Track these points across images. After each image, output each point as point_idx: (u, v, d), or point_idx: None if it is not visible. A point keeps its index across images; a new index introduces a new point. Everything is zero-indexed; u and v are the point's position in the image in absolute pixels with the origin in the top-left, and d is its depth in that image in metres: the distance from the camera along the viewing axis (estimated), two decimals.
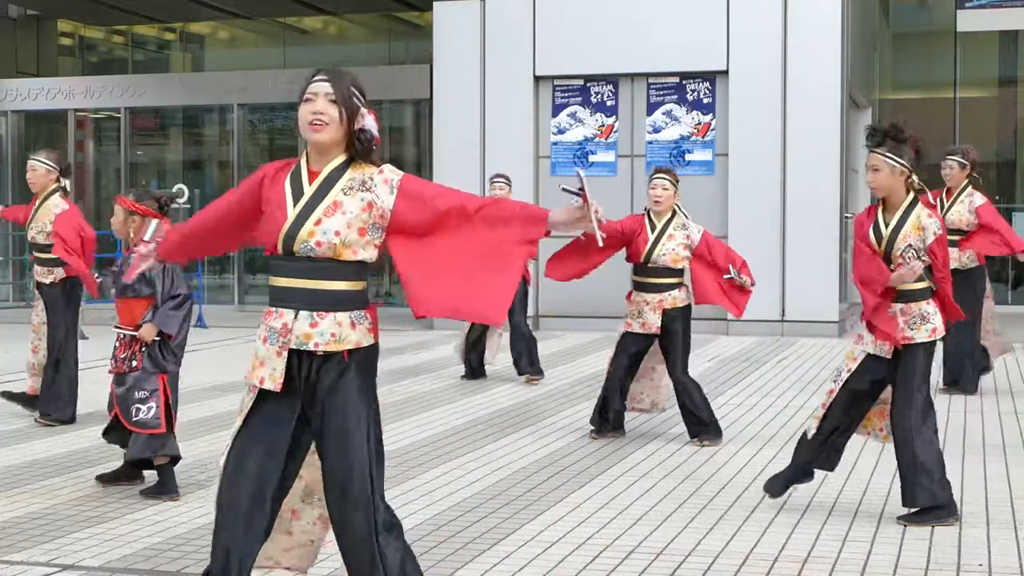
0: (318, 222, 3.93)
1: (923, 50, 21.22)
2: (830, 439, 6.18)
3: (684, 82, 15.73)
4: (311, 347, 3.96)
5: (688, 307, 8.17)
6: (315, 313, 3.96)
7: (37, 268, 8.88)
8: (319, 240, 3.92)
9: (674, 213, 8.20)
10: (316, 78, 4.00)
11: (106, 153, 20.87)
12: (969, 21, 19.51)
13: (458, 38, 16.27)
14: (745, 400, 9.94)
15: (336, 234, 3.92)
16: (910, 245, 5.95)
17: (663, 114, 15.83)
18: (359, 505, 3.99)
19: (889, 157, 5.94)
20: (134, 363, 6.56)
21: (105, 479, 6.82)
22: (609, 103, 15.99)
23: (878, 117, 19.54)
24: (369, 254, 3.99)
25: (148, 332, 6.57)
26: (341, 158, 4.02)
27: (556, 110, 16.17)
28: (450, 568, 5.25)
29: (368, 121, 3.99)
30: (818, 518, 6.11)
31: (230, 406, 9.53)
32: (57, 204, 8.79)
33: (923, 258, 5.98)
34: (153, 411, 6.53)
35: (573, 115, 16.11)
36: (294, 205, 3.97)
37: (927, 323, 6.00)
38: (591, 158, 16.03)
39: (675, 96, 15.79)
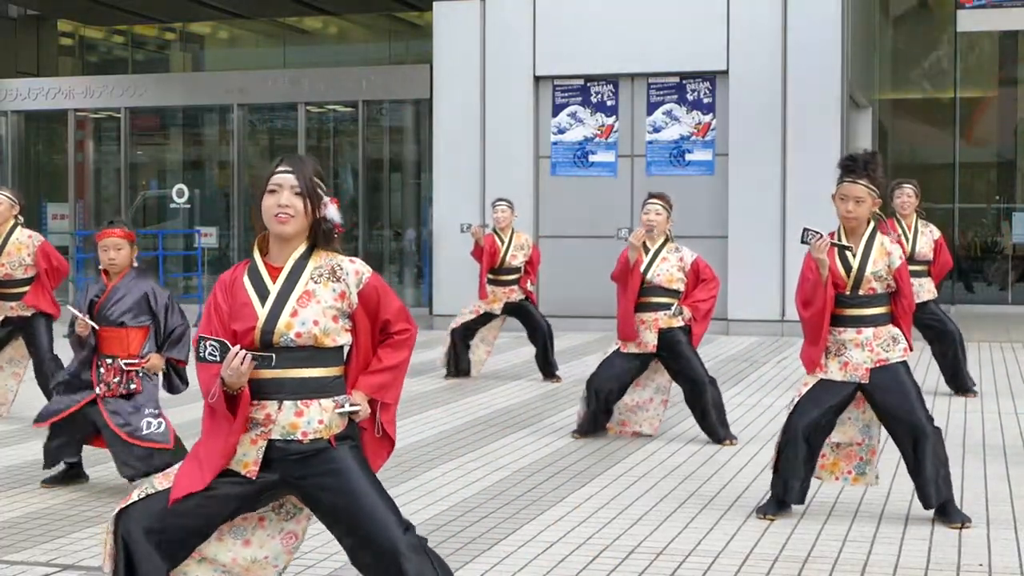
0: (294, 313, 3.91)
1: (923, 50, 21.22)
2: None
3: (684, 82, 15.73)
4: (298, 437, 3.91)
5: (686, 328, 8.20)
6: (300, 402, 3.92)
7: (10, 304, 8.89)
8: (298, 331, 3.90)
9: (667, 239, 8.23)
10: (279, 169, 3.97)
11: (106, 153, 20.85)
12: (969, 21, 19.51)
13: (458, 38, 16.27)
14: (745, 400, 9.94)
15: (315, 324, 3.91)
16: (881, 270, 5.96)
17: (663, 114, 15.83)
18: (390, 553, 3.91)
19: (871, 188, 5.94)
20: (132, 386, 6.57)
21: (53, 481, 6.84)
22: (609, 103, 16.00)
23: (878, 117, 19.56)
24: (345, 339, 3.99)
25: (157, 363, 6.63)
26: (302, 248, 4.01)
27: (556, 110, 16.16)
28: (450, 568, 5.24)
29: (331, 210, 3.99)
30: (818, 518, 6.11)
31: None
32: (29, 236, 8.91)
33: (889, 282, 5.99)
34: (163, 427, 6.57)
35: (573, 115, 16.11)
36: (262, 303, 3.94)
37: (898, 344, 6.04)
38: (591, 158, 16.03)
39: (675, 96, 15.79)
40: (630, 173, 15.87)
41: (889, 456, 7.66)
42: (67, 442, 6.74)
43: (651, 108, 15.89)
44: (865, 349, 5.98)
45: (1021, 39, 20.77)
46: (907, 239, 9.99)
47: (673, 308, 8.10)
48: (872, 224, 6.04)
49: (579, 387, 10.71)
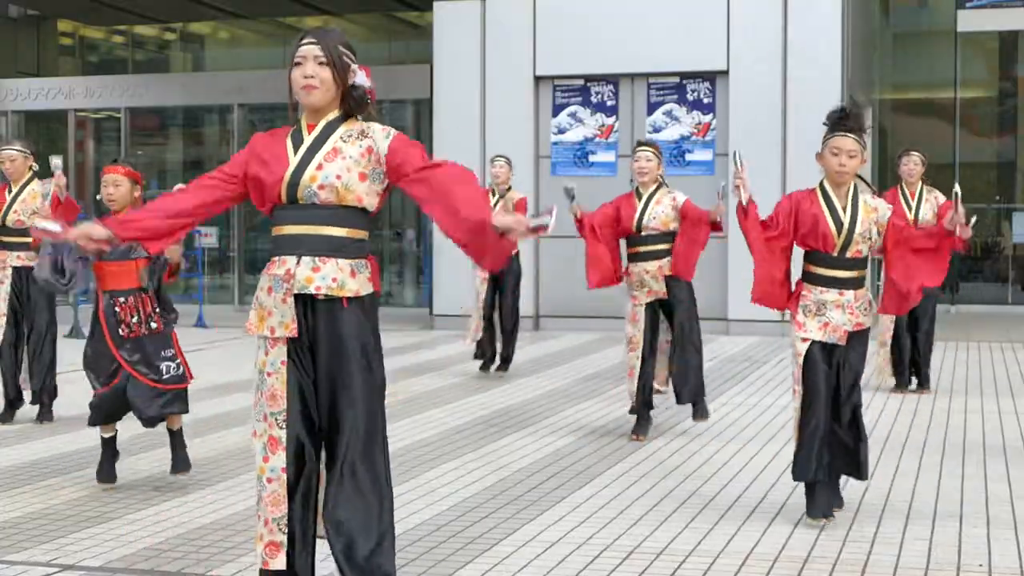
0: (319, 167, 4.05)
1: (923, 50, 21.21)
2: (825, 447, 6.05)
3: (684, 82, 15.73)
4: (312, 291, 4.04)
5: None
6: (317, 258, 4.05)
7: (16, 253, 9.00)
8: (321, 184, 4.03)
9: (659, 184, 8.28)
10: (304, 41, 4.12)
11: (106, 153, 20.86)
12: (969, 21, 19.51)
13: (458, 38, 16.27)
14: (745, 400, 9.94)
15: (337, 177, 4.03)
16: (868, 229, 5.90)
17: (663, 114, 15.83)
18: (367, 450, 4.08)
19: (862, 142, 5.88)
20: (152, 324, 6.55)
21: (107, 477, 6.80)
22: (609, 103, 16.00)
23: (878, 117, 19.55)
24: (371, 201, 4.10)
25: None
26: (336, 113, 4.15)
27: (556, 110, 16.16)
28: (450, 568, 5.25)
29: (360, 77, 4.10)
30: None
31: (231, 406, 9.54)
32: (40, 187, 9.09)
33: (876, 241, 5.92)
34: (180, 367, 6.64)
35: (573, 115, 16.11)
36: (295, 153, 4.09)
37: (872, 308, 6.00)
38: (591, 158, 16.03)
39: (675, 96, 15.79)
40: (630, 173, 15.84)
41: (889, 456, 7.66)
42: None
43: (651, 108, 15.89)
44: (846, 311, 5.88)
45: (1021, 39, 20.78)
46: (910, 207, 10.13)
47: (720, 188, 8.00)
48: (854, 186, 5.94)
49: (579, 387, 10.74)
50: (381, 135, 4.12)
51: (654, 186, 8.27)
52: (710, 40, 15.43)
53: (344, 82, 4.09)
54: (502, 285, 11.24)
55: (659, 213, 8.18)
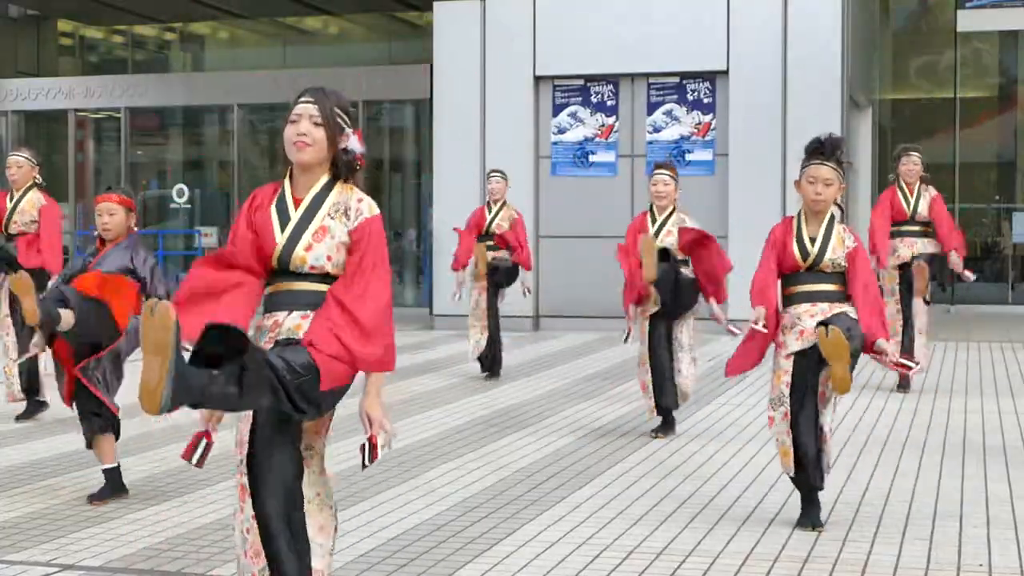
0: (308, 247, 4.01)
1: (923, 50, 21.22)
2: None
3: (684, 82, 15.73)
4: (299, 336, 3.97)
5: (695, 282, 8.33)
6: (308, 310, 4.01)
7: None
8: (312, 265, 4.02)
9: (674, 209, 8.39)
10: (302, 99, 4.07)
11: (106, 153, 20.87)
12: (969, 21, 19.51)
13: (458, 38, 16.27)
14: (745, 400, 9.94)
15: (328, 259, 4.01)
16: (839, 258, 5.93)
17: (663, 114, 15.83)
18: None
19: (839, 171, 5.94)
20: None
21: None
22: (609, 103, 15.99)
23: (878, 117, 19.56)
24: None
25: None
26: (324, 179, 4.09)
27: (556, 110, 16.16)
28: (450, 568, 5.25)
29: (352, 141, 4.05)
30: None
31: None
32: (38, 198, 9.15)
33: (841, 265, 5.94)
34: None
35: (573, 115, 16.11)
36: (282, 231, 4.03)
37: (852, 313, 5.95)
38: (591, 158, 16.03)
39: (675, 96, 15.79)
40: (630, 173, 15.87)
41: (889, 456, 7.67)
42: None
43: (651, 108, 15.89)
44: (818, 316, 5.87)
45: (1021, 39, 20.78)
46: (908, 203, 10.33)
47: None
48: (831, 214, 6.00)
49: (579, 387, 10.74)
50: (355, 214, 4.04)
51: (670, 208, 8.38)
52: (710, 40, 15.42)
53: (336, 144, 4.05)
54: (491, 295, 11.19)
55: (670, 244, 8.37)
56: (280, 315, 4.03)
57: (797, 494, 6.18)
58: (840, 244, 5.97)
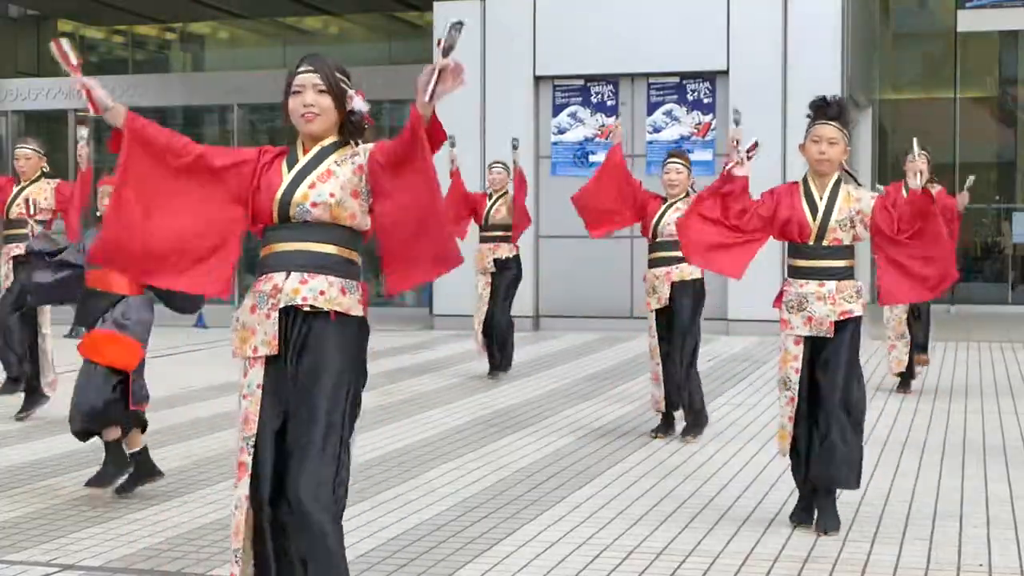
0: (312, 185, 3.99)
1: (923, 50, 21.22)
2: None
3: (684, 82, 15.74)
4: (299, 302, 3.94)
5: (698, 283, 8.28)
6: (306, 273, 3.96)
7: (15, 243, 9.18)
8: (314, 201, 3.96)
9: (686, 196, 8.35)
10: (301, 69, 4.06)
11: (106, 153, 20.83)
12: (969, 21, 19.52)
13: (458, 38, 16.24)
14: (745, 400, 9.94)
15: (331, 195, 3.96)
16: (847, 218, 5.84)
17: (663, 114, 15.83)
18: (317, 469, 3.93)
19: (844, 131, 5.85)
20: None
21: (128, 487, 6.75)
22: (609, 103, 16.00)
23: (878, 117, 19.56)
24: (364, 220, 4.02)
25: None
26: (333, 139, 4.08)
27: (556, 110, 16.17)
28: (450, 568, 5.25)
29: (357, 102, 4.04)
30: None
31: (230, 406, 9.51)
32: (48, 185, 9.65)
33: (860, 233, 5.88)
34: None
35: (573, 115, 16.11)
36: (289, 172, 4.03)
37: (861, 296, 5.90)
38: (591, 158, 16.03)
39: (675, 96, 15.80)
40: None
41: (889, 456, 7.66)
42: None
43: (651, 108, 15.90)
44: (827, 302, 5.82)
45: (1021, 39, 20.78)
46: None
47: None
48: (837, 175, 5.91)
49: (579, 387, 10.73)
50: (363, 151, 4.04)
51: (682, 196, 8.37)
52: (710, 40, 15.42)
53: (343, 109, 4.04)
54: (495, 289, 11.17)
55: (673, 219, 8.22)
56: (278, 277, 3.98)
57: (797, 494, 6.18)
58: (847, 203, 5.84)
